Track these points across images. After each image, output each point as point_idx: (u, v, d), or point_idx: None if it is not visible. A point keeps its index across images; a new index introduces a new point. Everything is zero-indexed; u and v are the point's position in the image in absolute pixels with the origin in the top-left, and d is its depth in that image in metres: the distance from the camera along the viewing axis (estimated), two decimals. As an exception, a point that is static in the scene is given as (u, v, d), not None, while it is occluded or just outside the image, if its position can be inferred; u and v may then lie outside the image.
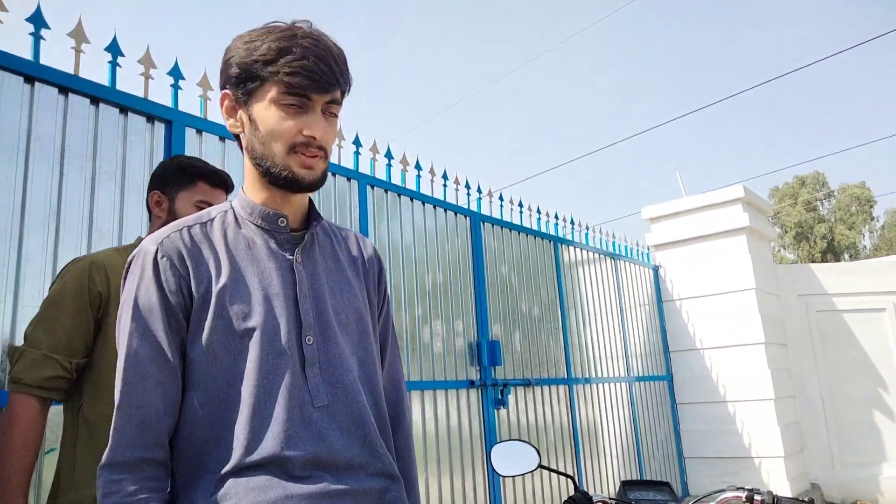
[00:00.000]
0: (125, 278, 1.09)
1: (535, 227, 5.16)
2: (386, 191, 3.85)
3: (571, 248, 5.56)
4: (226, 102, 1.14)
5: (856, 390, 6.53)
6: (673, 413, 6.43)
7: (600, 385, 5.48)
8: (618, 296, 6.03)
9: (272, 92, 1.08)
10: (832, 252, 31.76)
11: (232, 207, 1.18)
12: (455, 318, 4.15)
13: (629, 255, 6.39)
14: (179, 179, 1.82)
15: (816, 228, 32.01)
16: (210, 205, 1.82)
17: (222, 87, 1.15)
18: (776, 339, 6.32)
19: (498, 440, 4.21)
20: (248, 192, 1.18)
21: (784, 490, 5.77)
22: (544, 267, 5.16)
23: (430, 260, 4.06)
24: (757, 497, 1.70)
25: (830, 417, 6.49)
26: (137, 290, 1.05)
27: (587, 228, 5.84)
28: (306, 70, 1.06)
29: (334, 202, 3.49)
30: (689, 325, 6.50)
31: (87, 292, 1.66)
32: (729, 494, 1.75)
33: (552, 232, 5.36)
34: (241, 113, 1.13)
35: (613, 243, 6.20)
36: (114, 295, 1.68)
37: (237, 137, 1.17)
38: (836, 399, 6.52)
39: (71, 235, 2.29)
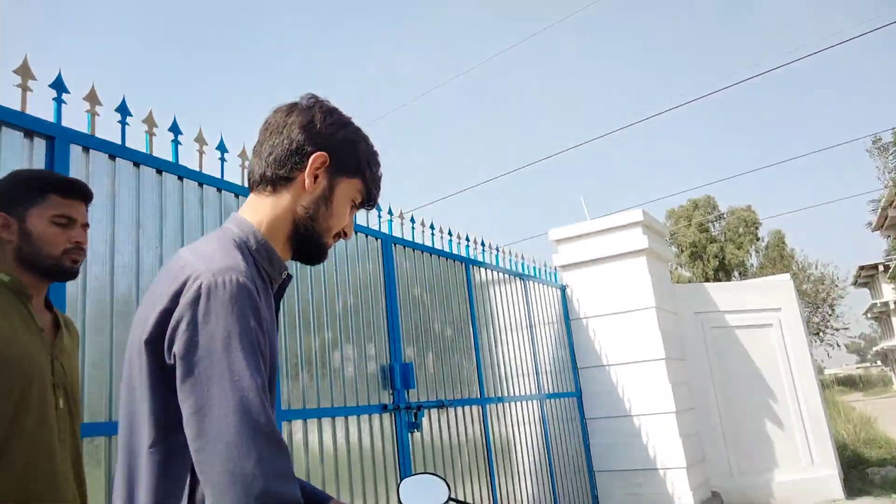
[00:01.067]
0: (213, 304, 0.99)
1: (446, 249, 5.19)
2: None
3: (483, 269, 5.63)
4: (321, 161, 1.17)
5: (748, 401, 6.94)
6: (583, 428, 6.59)
7: (513, 403, 5.54)
8: (528, 315, 6.15)
9: (357, 192, 1.23)
10: (724, 270, 33.90)
11: (251, 251, 1.15)
12: (367, 341, 4.08)
13: (538, 276, 6.55)
14: (26, 196, 1.62)
15: (709, 248, 34.12)
16: (69, 218, 1.64)
17: (322, 148, 1.18)
18: (675, 355, 6.64)
19: (412, 464, 4.16)
20: (270, 239, 1.19)
21: (686, 499, 6.02)
22: (456, 287, 5.19)
23: (340, 283, 3.98)
24: None
25: (727, 428, 6.86)
26: (246, 323, 1.00)
27: (497, 250, 5.94)
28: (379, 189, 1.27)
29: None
30: (595, 343, 6.71)
31: None
32: None
33: (463, 253, 5.41)
34: (323, 180, 1.19)
35: (522, 264, 6.33)
36: None
37: (284, 183, 1.18)
38: (731, 410, 6.90)
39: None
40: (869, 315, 45.34)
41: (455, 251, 5.30)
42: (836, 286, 33.10)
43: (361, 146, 1.22)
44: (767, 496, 6.60)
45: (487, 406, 5.17)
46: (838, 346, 36.11)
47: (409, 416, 4.25)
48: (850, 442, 11.12)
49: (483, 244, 5.71)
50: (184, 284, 1.01)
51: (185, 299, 1.00)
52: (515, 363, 5.77)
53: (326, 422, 3.60)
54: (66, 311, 2.46)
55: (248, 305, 1.01)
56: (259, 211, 1.18)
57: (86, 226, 1.72)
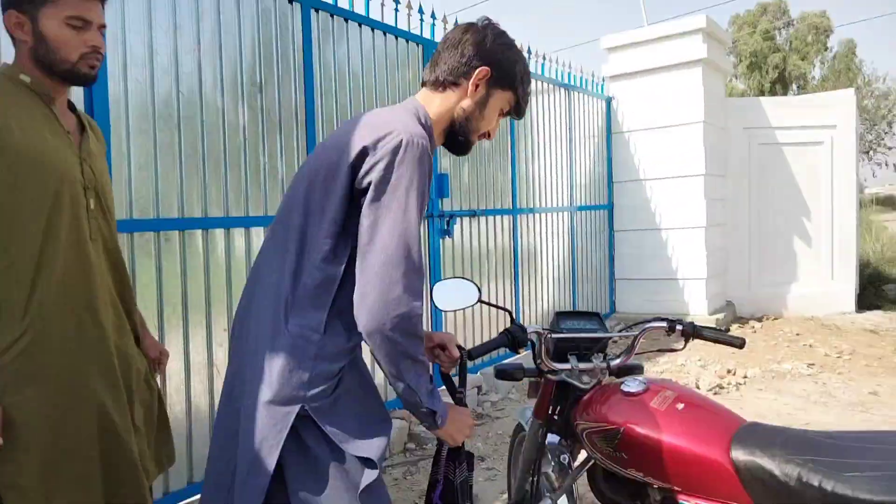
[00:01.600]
0: (407, 156, 1.30)
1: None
2: (331, 15, 3.62)
3: (523, 77, 5.45)
4: (483, 74, 1.47)
5: (782, 218, 6.98)
6: (610, 240, 6.80)
7: (543, 215, 5.70)
8: (568, 127, 6.06)
9: (507, 102, 1.56)
10: (782, 82, 31.91)
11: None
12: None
13: (583, 87, 6.32)
14: None
15: (770, 58, 31.80)
16: (84, 20, 1.53)
17: (487, 63, 1.48)
18: (716, 171, 6.58)
19: (442, 268, 4.44)
20: (434, 125, 1.51)
21: (701, 306, 6.37)
22: (495, 97, 5.08)
23: (378, 89, 3.94)
24: (678, 326, 1.80)
25: (754, 243, 6.99)
26: (423, 178, 1.32)
27: (543, 58, 5.69)
28: None
29: (275, 27, 3.28)
30: (634, 157, 6.66)
31: None
32: (654, 324, 1.84)
33: (505, 60, 5.21)
34: (483, 90, 1.51)
35: (569, 74, 6.09)
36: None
37: (452, 87, 1.50)
38: (762, 226, 6.98)
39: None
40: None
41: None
42: (901, 102, 31.14)
43: (520, 66, 1.49)
44: (780, 306, 6.92)
45: (518, 216, 5.33)
46: (886, 165, 34.97)
47: (442, 223, 4.44)
48: (874, 259, 11.28)
49: (529, 51, 5.47)
50: (387, 134, 1.31)
51: (388, 146, 1.30)
52: (550, 175, 5.82)
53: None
54: (110, 114, 2.55)
55: (427, 163, 1.33)
56: (430, 102, 1.48)
57: (102, 27, 1.60)
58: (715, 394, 4.58)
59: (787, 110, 6.97)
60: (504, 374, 1.96)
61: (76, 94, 2.13)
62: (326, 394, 1.32)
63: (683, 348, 1.90)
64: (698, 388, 4.63)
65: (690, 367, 5.12)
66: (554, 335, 1.88)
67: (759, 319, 6.72)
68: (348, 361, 1.38)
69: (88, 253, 1.57)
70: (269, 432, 1.30)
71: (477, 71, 1.44)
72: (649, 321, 1.87)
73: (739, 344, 1.77)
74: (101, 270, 1.62)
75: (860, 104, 30.38)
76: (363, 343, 1.36)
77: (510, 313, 1.88)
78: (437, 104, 1.47)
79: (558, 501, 1.91)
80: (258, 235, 3.14)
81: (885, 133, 31.98)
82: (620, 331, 1.93)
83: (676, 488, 1.60)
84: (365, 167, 1.31)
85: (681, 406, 1.66)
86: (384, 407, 1.47)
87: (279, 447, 1.29)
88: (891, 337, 6.01)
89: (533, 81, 5.52)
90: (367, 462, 1.34)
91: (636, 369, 1.97)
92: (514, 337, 1.80)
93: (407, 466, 3.63)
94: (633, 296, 6.75)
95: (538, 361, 1.87)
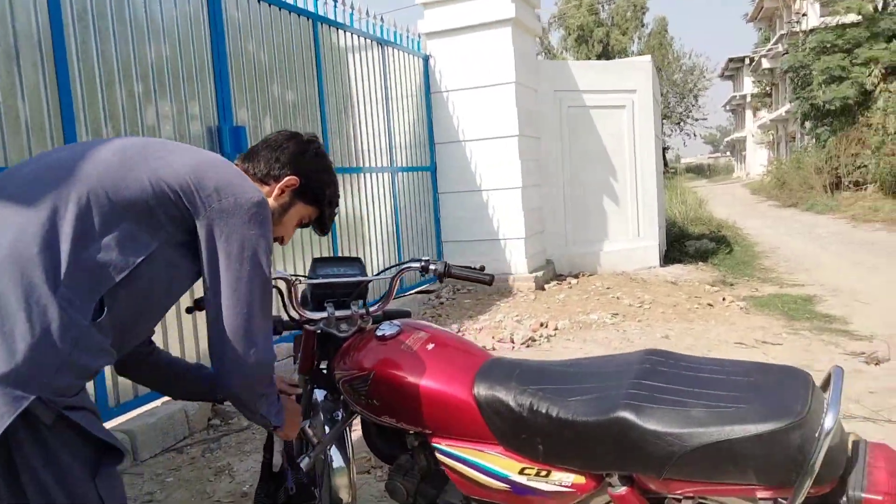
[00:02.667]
0: (260, 219, 1.31)
1: (289, 1, 4.64)
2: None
3: (334, 29, 5.16)
4: (293, 182, 1.50)
5: (593, 179, 7.35)
6: (434, 202, 6.77)
7: (361, 175, 5.49)
8: (384, 84, 5.87)
9: (308, 217, 1.59)
10: (606, 55, 34.15)
11: None
12: (189, 98, 3.71)
13: (398, 42, 6.14)
14: None
15: (595, 32, 33.86)
16: None
17: (299, 175, 1.50)
18: (530, 132, 6.74)
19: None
20: None
21: (521, 265, 6.56)
22: (301, 48, 4.75)
23: (151, 27, 3.47)
24: (431, 266, 1.78)
25: (569, 203, 7.31)
26: (269, 237, 1.34)
27: (352, 9, 5.41)
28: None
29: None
30: (454, 118, 6.63)
31: None
32: (409, 265, 1.81)
33: (311, 8, 4.88)
34: (286, 197, 1.52)
35: (381, 27, 5.87)
36: None
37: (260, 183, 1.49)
38: (576, 187, 7.31)
39: None
40: (727, 107, 48.61)
41: (301, 5, 4.76)
42: (704, 77, 34.67)
43: (330, 190, 1.56)
44: (595, 263, 7.34)
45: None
46: (695, 136, 38.95)
47: (243, 181, 4.08)
48: (680, 220, 12.47)
49: (335, 0, 5.17)
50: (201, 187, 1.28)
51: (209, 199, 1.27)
52: (368, 134, 5.61)
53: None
54: None
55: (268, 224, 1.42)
56: None
57: None
58: (528, 346, 4.71)
59: (593, 74, 7.29)
60: None
61: None
62: (73, 391, 1.11)
63: (439, 289, 1.90)
64: (513, 342, 4.74)
65: (507, 322, 5.24)
66: (309, 281, 1.79)
67: (577, 276, 7.07)
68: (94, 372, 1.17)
69: None
70: None
71: (287, 178, 1.47)
72: (404, 263, 1.83)
73: (488, 280, 1.76)
74: None
75: (670, 78, 33.45)
76: None
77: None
78: None
79: (334, 458, 1.78)
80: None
81: (693, 105, 35.51)
82: (377, 274, 1.87)
83: (428, 431, 1.57)
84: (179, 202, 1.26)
85: (430, 346, 1.63)
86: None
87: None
88: (687, 287, 6.58)
89: (343, 34, 5.25)
90: (108, 451, 1.15)
91: (402, 314, 1.92)
92: None
93: (207, 444, 3.36)
94: (461, 257, 6.79)
95: (288, 311, 1.76)
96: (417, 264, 1.79)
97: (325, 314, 1.77)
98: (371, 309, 1.83)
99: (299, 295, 1.78)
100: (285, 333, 1.83)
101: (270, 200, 1.46)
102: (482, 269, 1.83)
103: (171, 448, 3.32)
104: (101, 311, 1.15)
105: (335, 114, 5.14)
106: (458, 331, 5.12)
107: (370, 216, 5.60)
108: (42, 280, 1.08)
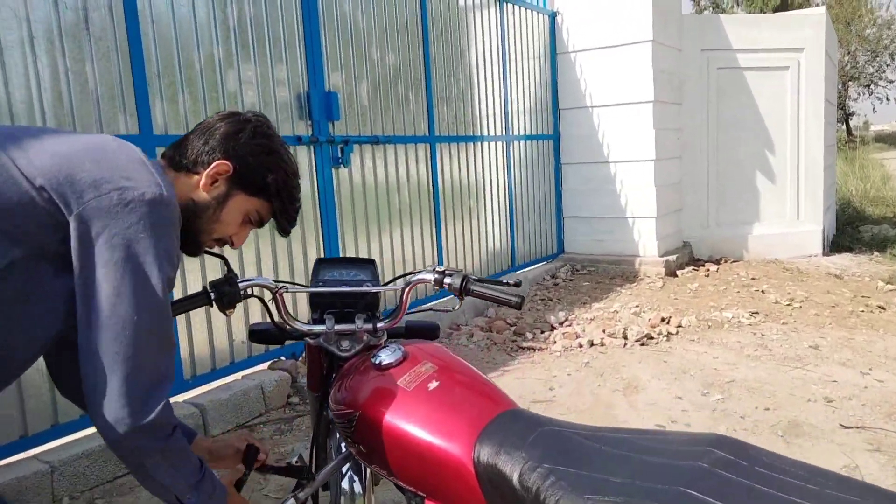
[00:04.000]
0: (154, 220, 1.02)
1: (394, -45, 4.30)
2: None
3: (446, -16, 4.76)
4: (223, 169, 1.20)
5: (743, 151, 6.39)
6: (556, 173, 6.22)
7: (472, 144, 5.10)
8: (501, 46, 5.38)
9: (255, 211, 1.28)
10: (784, 9, 30.51)
11: None
12: (275, 62, 3.52)
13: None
14: None
15: (772, -17, 30.27)
16: None
17: (231, 159, 1.20)
18: (668, 98, 5.94)
19: (337, 202, 3.89)
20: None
21: (652, 247, 5.86)
22: (405, 7, 4.41)
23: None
24: (446, 280, 1.39)
25: (713, 177, 6.42)
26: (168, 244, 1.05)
27: (468, -39, 4.96)
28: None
29: None
30: (581, 81, 6.00)
31: None
32: (420, 276, 1.44)
33: (419, -38, 4.51)
34: (222, 187, 1.22)
35: (502, -18, 5.37)
36: None
37: (188, 173, 1.21)
38: (722, 159, 6.40)
39: None
40: (933, 68, 41.70)
41: (407, -41, 4.41)
42: (905, 32, 29.82)
43: (275, 177, 1.24)
44: (741, 248, 6.42)
45: (438, 145, 4.74)
46: (888, 99, 33.94)
47: (335, 150, 3.86)
48: (857, 199, 10.77)
49: (449, -48, 4.75)
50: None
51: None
52: (481, 101, 5.19)
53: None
54: None
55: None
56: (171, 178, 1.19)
57: None
58: (642, 345, 4.13)
59: (749, 31, 6.24)
60: (259, 336, 1.55)
61: None
62: None
63: (458, 307, 1.49)
64: (626, 338, 4.18)
65: (623, 314, 4.66)
66: (296, 290, 1.50)
67: (718, 262, 6.23)
68: None
69: None
70: None
71: (216, 163, 1.19)
72: (416, 273, 1.44)
73: (514, 303, 1.33)
74: None
75: (861, 33, 29.18)
76: None
77: (224, 260, 1.39)
78: (175, 184, 1.19)
79: (350, 484, 1.49)
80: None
81: (888, 66, 30.86)
82: (385, 284, 1.51)
83: (421, 493, 1.23)
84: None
85: (433, 385, 1.27)
86: None
87: None
88: (854, 283, 5.54)
89: (453, -11, 4.82)
90: None
91: (426, 330, 1.58)
92: (219, 292, 1.34)
93: (280, 424, 3.25)
94: (583, 235, 6.24)
95: (276, 322, 1.47)
96: (430, 276, 1.41)
97: (322, 327, 1.46)
98: (379, 325, 1.48)
99: (285, 303, 1.47)
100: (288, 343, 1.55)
101: (201, 192, 1.20)
102: (517, 284, 1.41)
103: (245, 424, 3.24)
104: None
105: (442, 79, 4.77)
106: (566, 319, 4.64)
107: (480, 190, 5.22)
108: None
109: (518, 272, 5.58)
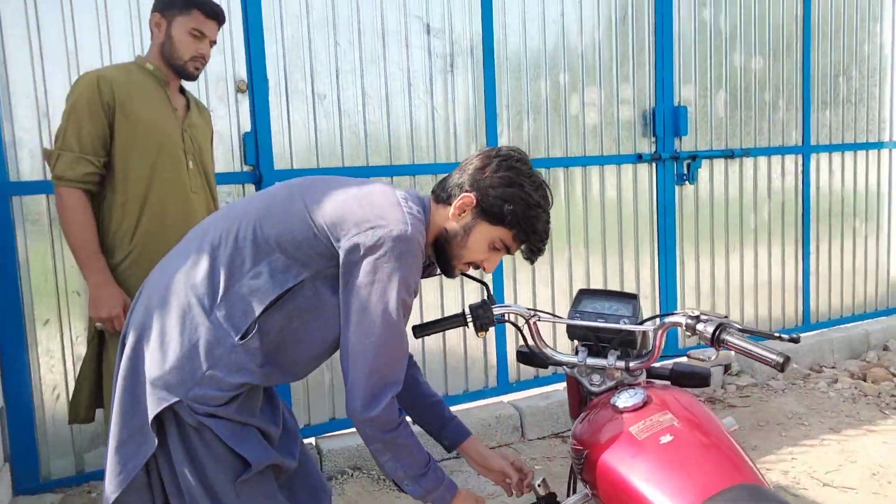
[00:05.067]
0: (398, 253, 1.26)
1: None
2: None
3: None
4: (467, 201, 1.37)
5: None
6: None
7: (865, 153, 4.28)
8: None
9: (498, 239, 1.41)
10: None
11: None
12: (621, 82, 3.55)
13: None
14: (179, 6, 2.04)
15: None
16: (202, 33, 2.06)
17: (475, 192, 1.38)
18: None
19: (677, 222, 3.75)
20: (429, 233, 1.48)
21: None
22: (779, 6, 3.93)
23: (584, 8, 3.42)
24: (699, 326, 1.29)
25: None
26: (408, 272, 1.28)
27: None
28: None
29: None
30: None
31: (98, 101, 1.96)
32: (675, 319, 1.37)
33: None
34: (468, 217, 1.39)
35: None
36: (118, 105, 1.98)
37: (445, 203, 1.42)
38: None
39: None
40: None
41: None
42: None
43: (515, 207, 1.34)
44: None
45: (812, 155, 4.11)
46: None
47: (679, 166, 3.72)
48: None
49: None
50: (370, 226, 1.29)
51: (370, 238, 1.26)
52: (883, 101, 4.30)
53: (558, 171, 3.43)
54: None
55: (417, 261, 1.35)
56: (432, 211, 1.43)
57: (213, 42, 2.13)
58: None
59: None
60: (524, 357, 1.64)
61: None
62: (216, 401, 1.25)
63: (715, 358, 1.35)
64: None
65: None
66: (546, 320, 1.55)
67: None
68: (246, 391, 1.29)
69: (191, 201, 2.10)
70: (135, 410, 1.26)
71: (462, 195, 1.36)
72: (668, 315, 1.39)
73: (775, 363, 1.14)
74: (201, 215, 2.08)
75: None
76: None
77: (484, 285, 1.56)
78: (435, 214, 1.42)
79: None
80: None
81: None
82: (641, 322, 1.47)
83: None
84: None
85: (666, 438, 1.21)
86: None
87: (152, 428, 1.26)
88: None
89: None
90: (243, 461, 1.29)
91: (695, 378, 1.47)
92: (475, 315, 1.48)
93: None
94: None
95: (529, 348, 1.57)
96: (682, 319, 1.32)
97: (575, 359, 1.49)
98: (632, 364, 1.44)
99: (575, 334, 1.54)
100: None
101: (451, 223, 1.38)
102: (795, 339, 1.21)
103: (559, 434, 3.38)
104: (257, 332, 1.26)
105: (826, 80, 4.11)
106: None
107: (873, 206, 4.35)
108: (198, 303, 1.26)
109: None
